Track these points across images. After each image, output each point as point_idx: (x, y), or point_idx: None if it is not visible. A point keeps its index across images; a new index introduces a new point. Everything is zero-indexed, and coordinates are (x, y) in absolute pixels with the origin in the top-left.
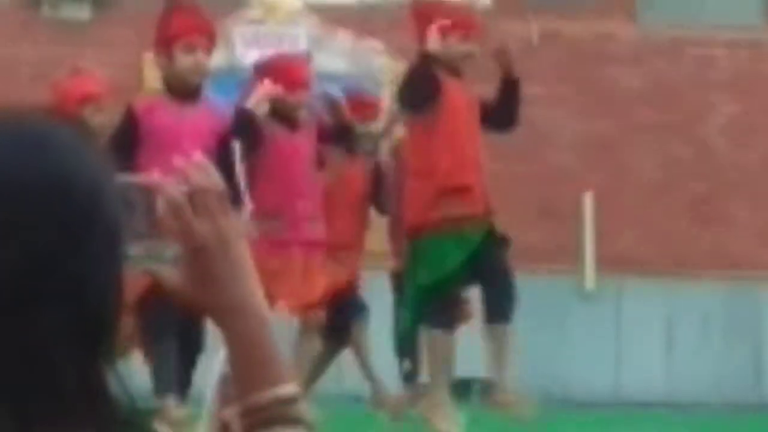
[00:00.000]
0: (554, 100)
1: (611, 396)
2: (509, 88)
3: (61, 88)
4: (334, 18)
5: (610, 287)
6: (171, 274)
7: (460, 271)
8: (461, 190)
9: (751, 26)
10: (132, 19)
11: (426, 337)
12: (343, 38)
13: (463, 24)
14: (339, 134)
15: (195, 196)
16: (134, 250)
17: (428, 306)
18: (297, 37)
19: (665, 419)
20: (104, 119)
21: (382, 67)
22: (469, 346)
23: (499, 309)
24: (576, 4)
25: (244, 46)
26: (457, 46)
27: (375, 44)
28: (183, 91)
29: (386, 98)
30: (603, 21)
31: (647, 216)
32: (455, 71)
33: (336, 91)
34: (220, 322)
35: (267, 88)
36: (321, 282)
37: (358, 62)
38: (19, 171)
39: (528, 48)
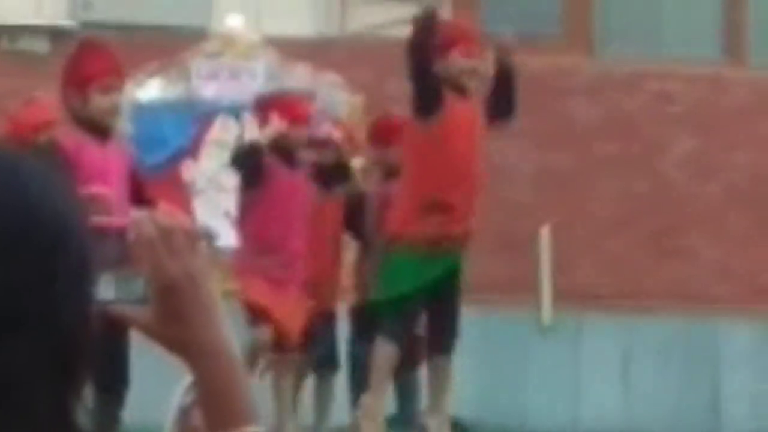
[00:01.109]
0: (512, 132)
1: (570, 429)
2: (506, 77)
3: (15, 118)
4: (292, 51)
5: (568, 321)
6: (140, 313)
7: (422, 290)
8: (443, 208)
9: (710, 60)
10: None
11: (379, 348)
12: (302, 72)
13: (465, 39)
14: (334, 174)
15: (165, 235)
16: (104, 291)
17: (386, 319)
18: (255, 71)
19: None
20: None
21: (340, 101)
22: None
23: (443, 341)
24: (535, 38)
25: (201, 79)
26: (461, 62)
27: (333, 78)
28: (98, 130)
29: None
30: (562, 55)
31: (605, 249)
32: (461, 89)
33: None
34: (189, 361)
35: (276, 122)
36: (302, 319)
37: (317, 96)
38: None
39: (485, 81)
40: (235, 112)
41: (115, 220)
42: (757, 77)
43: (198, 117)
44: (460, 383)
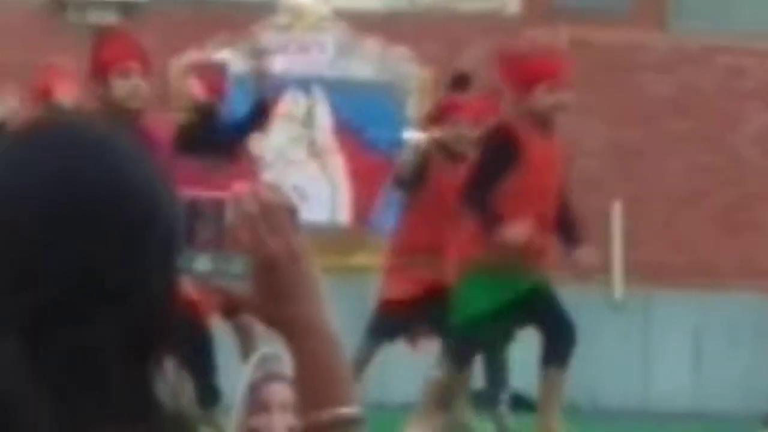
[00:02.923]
0: (584, 107)
1: (640, 406)
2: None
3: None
4: (361, 24)
5: (639, 297)
6: (240, 289)
7: (494, 317)
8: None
9: None
10: (158, 24)
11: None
12: (371, 45)
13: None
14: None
15: (267, 212)
16: (202, 265)
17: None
18: (324, 44)
19: (693, 429)
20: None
21: (409, 74)
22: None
23: (555, 352)
24: (606, 13)
25: (271, 52)
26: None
27: (403, 51)
28: (122, 116)
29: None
30: (633, 29)
31: (676, 225)
32: (543, 124)
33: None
34: (288, 338)
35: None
36: None
37: (386, 69)
38: (77, 177)
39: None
40: (304, 85)
41: (213, 194)
42: None
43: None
44: (530, 359)
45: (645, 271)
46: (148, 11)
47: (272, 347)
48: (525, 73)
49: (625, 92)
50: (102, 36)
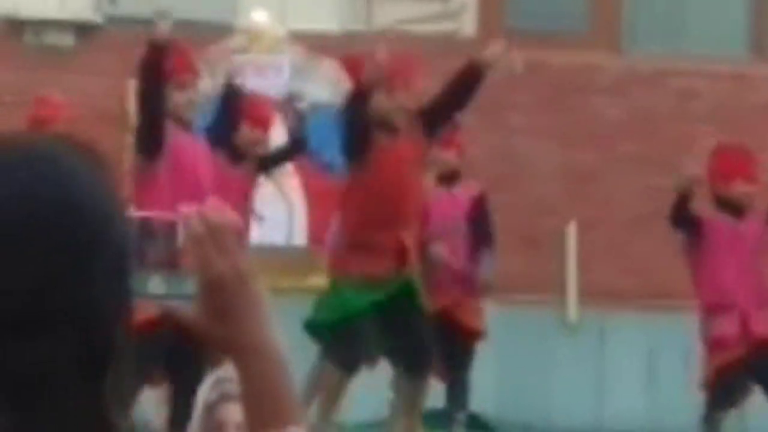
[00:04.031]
0: (537, 130)
1: (593, 428)
2: (476, 75)
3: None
4: (317, 47)
5: (593, 319)
6: (189, 310)
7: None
8: (373, 247)
9: (735, 58)
10: (115, 46)
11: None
12: (327, 67)
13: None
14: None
15: (214, 233)
16: (155, 286)
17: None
18: (281, 66)
19: None
20: None
21: None
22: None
23: (413, 362)
24: (560, 34)
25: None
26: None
27: None
28: (180, 124)
29: None
30: (587, 51)
31: (630, 247)
32: (391, 127)
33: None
34: (235, 358)
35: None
36: None
37: (342, 91)
38: (29, 195)
39: (511, 78)
40: None
41: (164, 214)
42: None
43: None
44: (485, 380)
45: (599, 293)
46: (105, 33)
47: (228, 368)
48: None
49: (579, 114)
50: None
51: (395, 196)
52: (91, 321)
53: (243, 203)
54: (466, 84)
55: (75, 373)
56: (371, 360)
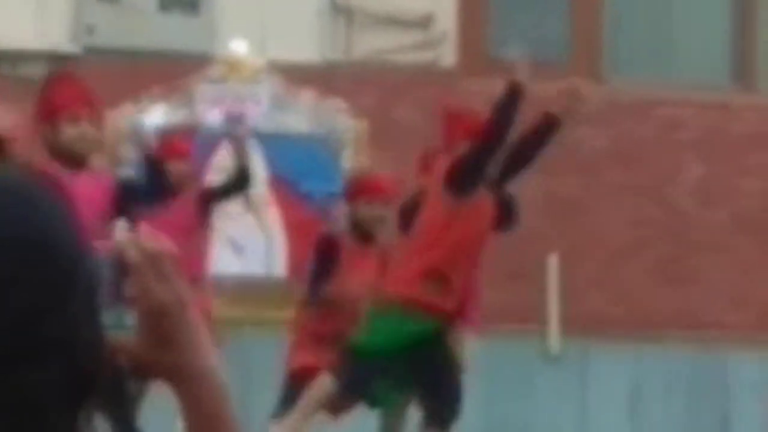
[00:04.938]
0: None
1: None
2: (551, 128)
3: None
4: (297, 77)
5: (576, 349)
6: (130, 340)
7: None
8: (444, 281)
9: (720, 87)
10: (92, 77)
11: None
12: (306, 97)
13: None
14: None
15: (152, 260)
16: (131, 319)
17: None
18: (259, 96)
19: None
20: None
21: (344, 127)
22: None
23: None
24: (542, 64)
25: (205, 104)
26: None
27: (338, 103)
28: (70, 160)
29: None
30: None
31: (613, 278)
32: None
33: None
34: (177, 387)
35: None
36: None
37: (321, 121)
38: (5, 228)
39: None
40: None
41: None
42: (767, 104)
43: (202, 142)
44: (467, 411)
45: (581, 323)
46: (81, 64)
47: None
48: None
49: (562, 144)
50: (51, 79)
51: (478, 243)
52: (71, 352)
53: (185, 239)
54: (542, 139)
55: (57, 404)
56: (372, 399)
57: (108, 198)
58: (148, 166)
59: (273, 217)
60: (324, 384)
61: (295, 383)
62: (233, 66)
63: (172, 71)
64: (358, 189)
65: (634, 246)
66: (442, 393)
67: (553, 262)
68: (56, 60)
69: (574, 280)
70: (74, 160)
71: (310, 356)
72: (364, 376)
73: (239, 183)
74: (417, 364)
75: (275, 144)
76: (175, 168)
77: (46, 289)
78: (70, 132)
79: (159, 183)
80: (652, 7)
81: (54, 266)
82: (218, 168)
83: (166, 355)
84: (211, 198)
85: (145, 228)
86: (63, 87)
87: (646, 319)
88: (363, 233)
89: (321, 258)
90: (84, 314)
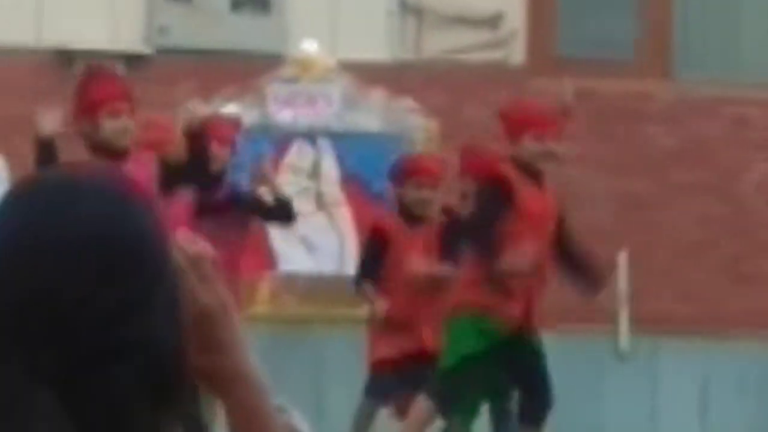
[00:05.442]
0: (589, 158)
1: None
2: (592, 280)
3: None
4: (367, 76)
5: (645, 347)
6: None
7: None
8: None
9: None
10: (164, 77)
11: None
12: (377, 97)
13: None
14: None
15: (194, 264)
16: None
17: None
18: (331, 96)
19: None
20: None
21: (415, 126)
22: None
23: (531, 412)
24: (612, 63)
25: (277, 104)
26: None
27: (408, 103)
28: (112, 154)
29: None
30: (639, 79)
31: (683, 276)
32: (534, 174)
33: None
34: (221, 390)
35: None
36: None
37: (392, 121)
38: (101, 226)
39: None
40: (310, 137)
41: None
42: None
43: (274, 142)
44: None
45: (651, 321)
46: (154, 64)
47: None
48: (513, 122)
49: (631, 142)
50: (89, 76)
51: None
52: (159, 351)
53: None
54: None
55: (143, 400)
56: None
57: (152, 180)
58: (191, 141)
59: (344, 216)
60: (422, 409)
61: (377, 374)
62: (304, 66)
63: (243, 71)
64: (407, 173)
65: (702, 244)
66: (538, 389)
67: (622, 260)
68: (130, 60)
69: (644, 278)
70: (116, 153)
71: (385, 347)
72: (461, 393)
73: (283, 216)
74: (507, 363)
75: (346, 143)
76: (216, 150)
77: (134, 287)
78: (112, 126)
79: (198, 159)
80: (721, 6)
81: (143, 266)
82: (289, 167)
83: (210, 358)
84: (252, 209)
85: (183, 233)
86: (102, 83)
87: (715, 317)
88: (412, 216)
89: (371, 246)
90: (169, 315)
